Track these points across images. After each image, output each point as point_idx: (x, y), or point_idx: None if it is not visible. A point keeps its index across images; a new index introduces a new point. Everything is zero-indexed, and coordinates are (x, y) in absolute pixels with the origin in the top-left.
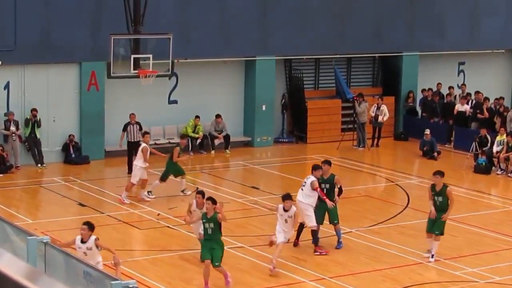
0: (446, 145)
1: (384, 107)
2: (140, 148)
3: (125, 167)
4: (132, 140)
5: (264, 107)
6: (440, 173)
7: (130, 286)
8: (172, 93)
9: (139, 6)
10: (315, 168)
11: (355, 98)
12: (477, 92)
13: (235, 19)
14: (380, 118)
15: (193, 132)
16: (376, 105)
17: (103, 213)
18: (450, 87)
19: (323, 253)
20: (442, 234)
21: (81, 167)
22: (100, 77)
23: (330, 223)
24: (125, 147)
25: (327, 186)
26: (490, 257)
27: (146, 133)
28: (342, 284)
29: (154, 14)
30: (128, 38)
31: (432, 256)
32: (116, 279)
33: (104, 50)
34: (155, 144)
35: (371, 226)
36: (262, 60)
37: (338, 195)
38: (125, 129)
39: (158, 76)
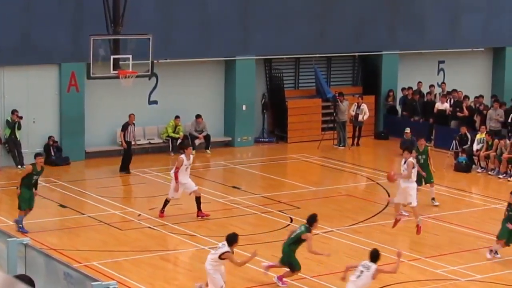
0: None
1: (364, 106)
2: (406, 162)
3: (106, 168)
4: (130, 140)
5: (244, 107)
6: None
7: (111, 287)
8: (152, 93)
9: (119, 7)
10: None
11: (337, 97)
12: (456, 91)
13: (215, 19)
14: (360, 117)
15: (174, 132)
16: (356, 104)
17: (83, 214)
18: (431, 86)
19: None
20: None
21: (62, 168)
22: (80, 78)
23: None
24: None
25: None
26: (471, 255)
27: (409, 148)
28: (323, 283)
29: (134, 14)
30: (107, 39)
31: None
32: (96, 280)
33: (84, 51)
34: (136, 145)
35: (352, 225)
36: (242, 60)
37: None
38: (124, 129)
39: (138, 76)
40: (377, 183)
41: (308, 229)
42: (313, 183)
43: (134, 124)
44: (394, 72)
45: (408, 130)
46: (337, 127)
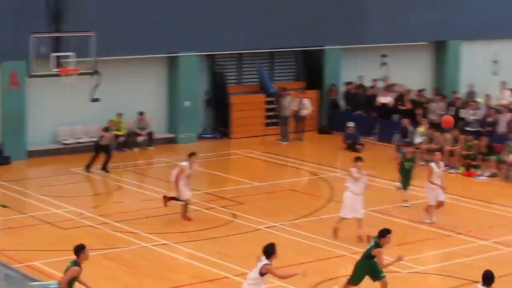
0: (370, 137)
1: (306, 101)
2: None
3: (49, 167)
4: (103, 144)
5: (187, 104)
6: None
7: (51, 286)
8: (94, 91)
9: (61, 4)
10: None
11: (280, 92)
12: (398, 84)
13: (158, 16)
14: (303, 112)
15: (116, 130)
16: (299, 99)
17: (25, 213)
18: (374, 80)
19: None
20: None
21: (3, 168)
22: (21, 76)
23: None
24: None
25: None
26: (413, 248)
27: (438, 150)
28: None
29: (76, 11)
30: (50, 37)
31: None
32: (36, 280)
33: (25, 49)
34: (78, 143)
35: (295, 220)
36: (185, 56)
37: None
38: (104, 131)
39: (80, 74)
40: (320, 177)
41: (378, 244)
42: (256, 178)
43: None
44: (337, 66)
45: (351, 124)
46: (280, 122)
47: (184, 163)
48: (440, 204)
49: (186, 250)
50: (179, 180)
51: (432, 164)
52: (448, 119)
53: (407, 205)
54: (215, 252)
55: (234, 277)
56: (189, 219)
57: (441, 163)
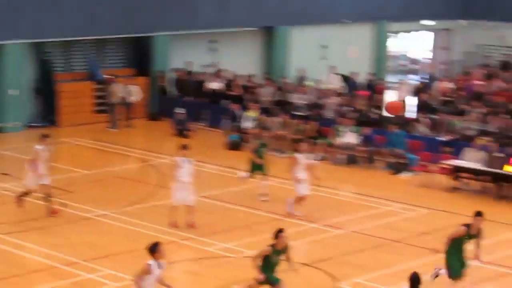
0: (200, 123)
1: (135, 87)
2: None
3: None
4: None
5: (14, 92)
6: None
7: None
8: None
9: None
10: None
11: (108, 79)
12: (227, 70)
13: None
14: (131, 99)
15: None
16: (127, 86)
17: None
18: (203, 66)
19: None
20: None
21: None
22: None
23: None
24: None
25: None
26: (244, 232)
27: (300, 141)
28: (97, 267)
29: None
30: None
31: None
32: None
33: None
34: None
35: (126, 207)
36: (11, 44)
37: None
38: None
39: None
40: (150, 164)
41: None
42: (86, 166)
43: None
44: (165, 53)
45: (180, 110)
46: (108, 109)
47: (39, 147)
48: (302, 197)
49: (12, 240)
50: (37, 165)
51: (298, 155)
52: (395, 104)
53: (265, 199)
54: (43, 242)
55: (62, 267)
56: (55, 212)
57: (308, 154)
